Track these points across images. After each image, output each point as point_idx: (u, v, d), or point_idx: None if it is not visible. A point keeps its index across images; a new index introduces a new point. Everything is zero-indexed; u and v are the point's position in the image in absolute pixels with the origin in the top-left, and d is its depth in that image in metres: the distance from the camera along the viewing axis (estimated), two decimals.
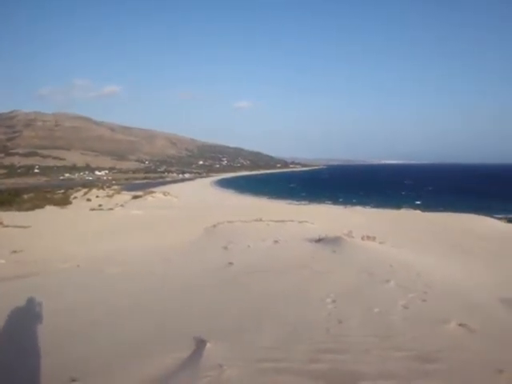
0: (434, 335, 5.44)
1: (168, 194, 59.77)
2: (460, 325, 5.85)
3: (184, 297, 7.83)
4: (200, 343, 4.96)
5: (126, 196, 55.27)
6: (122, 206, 44.22)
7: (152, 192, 60.22)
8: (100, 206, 44.85)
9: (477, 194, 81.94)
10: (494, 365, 4.47)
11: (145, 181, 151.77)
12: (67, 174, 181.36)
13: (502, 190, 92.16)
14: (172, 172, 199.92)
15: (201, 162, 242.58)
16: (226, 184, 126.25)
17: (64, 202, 45.31)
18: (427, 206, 54.65)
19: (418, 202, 62.24)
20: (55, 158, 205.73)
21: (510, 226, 36.99)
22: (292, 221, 22.84)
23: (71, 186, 76.07)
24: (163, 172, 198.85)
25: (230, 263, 11.25)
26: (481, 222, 34.72)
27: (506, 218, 42.90)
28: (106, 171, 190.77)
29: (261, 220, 22.89)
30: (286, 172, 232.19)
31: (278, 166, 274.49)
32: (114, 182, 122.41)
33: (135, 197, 54.00)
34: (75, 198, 52.35)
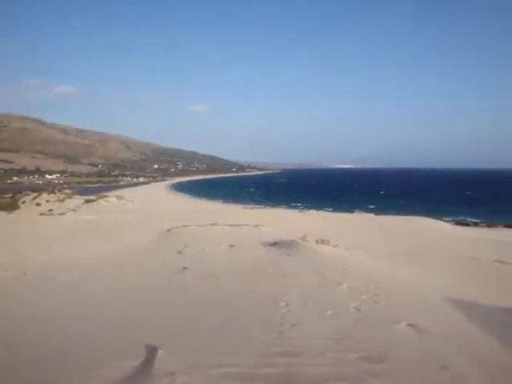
0: (384, 336, 5.57)
1: (122, 198, 58.46)
2: (409, 325, 6.02)
3: (135, 303, 7.67)
4: (151, 350, 4.85)
5: (79, 200, 53.71)
6: (73, 210, 43.06)
7: (105, 196, 58.75)
8: (50, 210, 43.47)
9: (427, 198, 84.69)
10: (440, 362, 4.63)
11: (98, 185, 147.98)
12: (15, 178, 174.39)
13: (450, 195, 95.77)
14: (126, 176, 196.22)
15: (156, 166, 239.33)
16: (181, 188, 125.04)
17: (11, 206, 43.59)
18: (380, 210, 56.05)
19: (372, 206, 63.71)
20: (2, 160, 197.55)
21: (457, 228, 38.65)
22: (247, 225, 22.88)
23: (20, 189, 73.22)
24: (117, 176, 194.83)
25: (185, 268, 11.14)
26: (431, 224, 35.98)
27: (453, 221, 44.72)
28: (58, 175, 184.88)
29: (216, 224, 22.81)
30: (242, 176, 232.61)
31: (234, 169, 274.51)
32: (65, 185, 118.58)
33: (88, 201, 52.55)
34: (24, 202, 50.40)
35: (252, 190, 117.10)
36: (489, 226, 43.25)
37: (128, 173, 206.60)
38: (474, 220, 47.45)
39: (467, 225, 43.50)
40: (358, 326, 5.95)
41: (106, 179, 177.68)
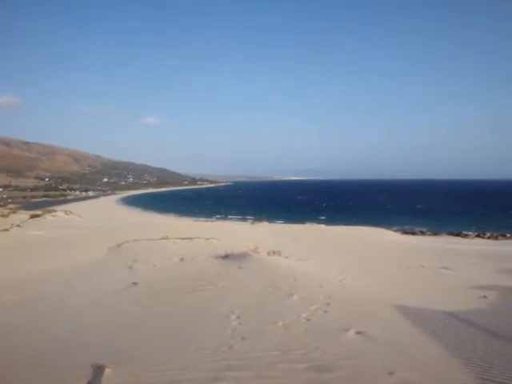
0: (334, 345, 5.65)
1: (70, 212, 56.58)
2: (358, 333, 6.14)
3: (83, 321, 7.40)
4: (98, 370, 4.70)
5: (24, 215, 51.43)
6: (18, 226, 41.28)
7: (52, 211, 56.68)
8: None
9: (377, 209, 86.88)
10: (386, 367, 4.75)
11: (44, 199, 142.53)
12: None
13: (399, 205, 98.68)
14: (75, 190, 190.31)
15: (105, 180, 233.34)
16: (132, 202, 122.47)
17: None
18: (330, 221, 57.00)
19: (323, 217, 64.69)
20: None
21: (405, 236, 39.88)
22: (199, 238, 22.69)
23: None
24: (65, 190, 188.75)
25: (135, 283, 10.91)
26: (380, 234, 36.99)
27: (401, 230, 46.07)
28: (0, 189, 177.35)
29: (167, 238, 22.49)
30: (194, 189, 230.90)
31: (186, 182, 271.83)
32: (9, 200, 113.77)
33: (34, 216, 50.40)
34: None
35: (204, 202, 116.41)
36: (434, 234, 44.80)
37: (76, 186, 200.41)
38: (420, 229, 48.95)
39: (414, 233, 44.86)
40: (309, 336, 6.00)
41: (53, 193, 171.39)
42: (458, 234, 43.49)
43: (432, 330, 6.80)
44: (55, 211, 56.08)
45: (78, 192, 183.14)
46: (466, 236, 42.97)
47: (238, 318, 6.97)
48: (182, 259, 15.28)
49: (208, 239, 22.39)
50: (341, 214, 70.43)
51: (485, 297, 11.63)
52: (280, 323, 6.62)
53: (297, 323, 6.69)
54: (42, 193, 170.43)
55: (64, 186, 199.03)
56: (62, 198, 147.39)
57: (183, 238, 22.08)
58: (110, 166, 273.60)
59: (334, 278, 12.26)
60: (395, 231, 42.56)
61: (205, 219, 65.24)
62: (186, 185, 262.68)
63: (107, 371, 4.61)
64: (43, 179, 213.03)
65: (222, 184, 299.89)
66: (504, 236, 42.04)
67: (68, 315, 8.09)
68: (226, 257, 14.95)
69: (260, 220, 55.24)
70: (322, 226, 42.26)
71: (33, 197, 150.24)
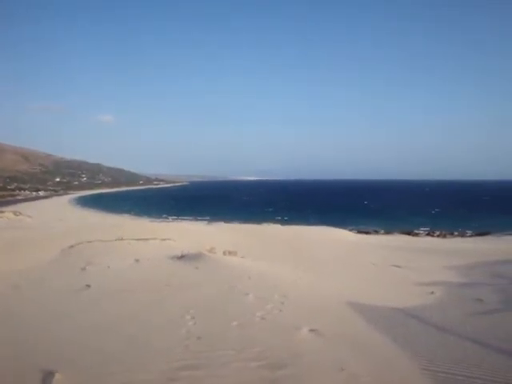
0: (287, 343, 5.77)
1: (20, 213, 54.65)
2: (311, 330, 6.30)
3: (31, 325, 7.19)
4: (47, 376, 4.59)
5: None
6: None
7: (0, 211, 54.77)
8: None
9: (333, 209, 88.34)
10: (337, 364, 4.91)
11: None
12: None
13: (353, 205, 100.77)
14: (24, 190, 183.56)
15: (58, 179, 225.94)
16: (85, 202, 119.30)
17: None
18: (286, 220, 57.62)
19: (278, 217, 65.20)
20: None
21: (359, 235, 40.80)
22: (154, 239, 22.45)
23: None
24: (14, 190, 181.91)
25: (88, 285, 10.69)
26: (334, 233, 37.73)
27: (355, 229, 47.09)
28: None
29: (122, 239, 22.12)
30: (149, 189, 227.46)
31: (141, 182, 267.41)
32: None
33: None
34: None
35: (159, 203, 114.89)
36: (387, 232, 46.08)
37: (26, 186, 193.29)
38: (374, 228, 50.17)
39: (368, 233, 45.96)
40: (263, 335, 6.10)
41: (0, 193, 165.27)
42: (409, 233, 45.04)
43: (382, 326, 7.05)
44: (3, 212, 54.05)
45: (28, 192, 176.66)
46: (416, 235, 44.58)
47: (193, 318, 6.98)
48: (137, 260, 15.09)
49: (164, 240, 22.21)
50: (296, 214, 71.08)
51: (432, 292, 12.11)
52: (235, 323, 6.69)
53: (252, 322, 6.78)
54: None
55: (13, 186, 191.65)
56: (10, 198, 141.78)
57: (138, 239, 21.80)
58: (62, 165, 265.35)
59: (289, 277, 12.43)
60: (350, 230, 43.46)
61: (160, 220, 64.55)
62: (142, 184, 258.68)
63: (57, 376, 4.53)
64: None
65: (177, 184, 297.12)
66: (452, 234, 43.92)
67: (16, 319, 7.85)
68: (181, 257, 14.88)
69: (216, 220, 55.16)
70: (278, 226, 42.62)
71: None
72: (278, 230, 38.28)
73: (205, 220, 61.50)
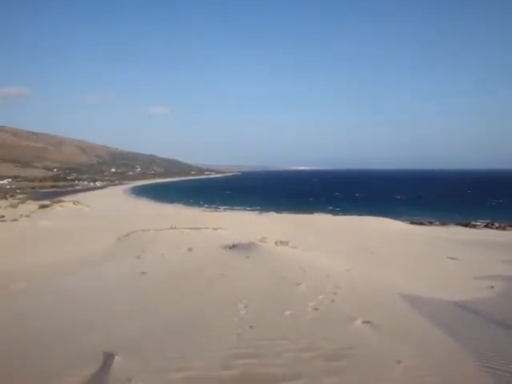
0: (341, 334, 5.68)
1: (78, 203, 56.90)
2: (365, 322, 6.17)
3: (90, 310, 7.46)
4: (108, 357, 4.74)
5: (33, 206, 51.76)
6: (27, 216, 41.57)
7: (61, 201, 57.03)
8: (2, 217, 41.88)
9: (385, 199, 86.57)
10: (393, 356, 4.78)
11: (53, 189, 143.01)
12: None
13: (407, 195, 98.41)
14: (83, 180, 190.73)
15: (113, 170, 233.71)
16: (139, 192, 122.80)
17: None
18: (338, 210, 57.05)
19: (330, 207, 64.64)
20: None
21: (413, 226, 39.75)
22: (207, 228, 22.78)
23: None
24: (73, 180, 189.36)
25: (143, 273, 10.99)
26: (388, 224, 36.91)
27: (409, 220, 45.94)
28: (9, 179, 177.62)
29: (175, 228, 22.59)
30: (202, 179, 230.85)
31: (193, 173, 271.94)
32: (18, 191, 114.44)
33: (42, 206, 50.69)
34: None
35: (211, 192, 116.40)
36: (442, 224, 44.68)
37: (84, 177, 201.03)
38: (429, 220, 48.82)
39: (422, 224, 44.70)
40: (316, 325, 6.04)
41: (61, 183, 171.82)
42: (466, 225, 43.36)
43: (439, 320, 6.81)
44: (63, 201, 56.43)
45: (86, 182, 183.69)
46: (474, 226, 42.86)
47: (246, 307, 7.02)
48: (189, 249, 15.37)
49: (216, 229, 22.48)
50: (348, 204, 70.25)
51: (492, 287, 11.61)
52: (287, 312, 6.66)
53: (304, 312, 6.72)
54: (50, 183, 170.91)
55: (72, 177, 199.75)
56: (70, 189, 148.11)
57: (191, 228, 22.19)
58: (117, 157, 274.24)
59: (342, 268, 12.28)
60: (403, 221, 42.44)
61: (212, 209, 65.45)
62: (194, 175, 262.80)
63: (117, 359, 4.66)
64: (51, 170, 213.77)
65: (229, 174, 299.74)
66: None
67: (76, 302, 8.18)
68: (233, 247, 15.02)
69: (267, 210, 55.26)
70: (330, 216, 42.28)
71: (41, 187, 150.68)
72: (330, 220, 37.93)
73: (256, 210, 61.81)
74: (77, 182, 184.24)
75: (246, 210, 66.16)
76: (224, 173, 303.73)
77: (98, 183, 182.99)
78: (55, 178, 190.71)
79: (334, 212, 52.37)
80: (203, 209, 68.57)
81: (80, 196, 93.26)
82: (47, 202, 54.91)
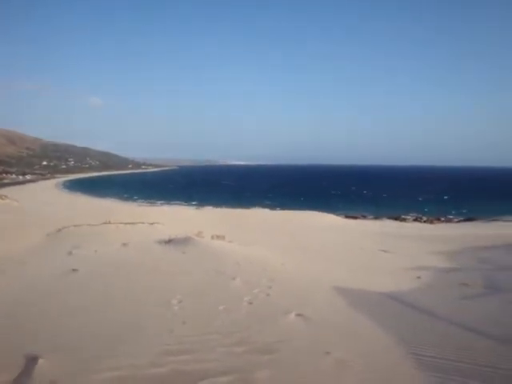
0: (274, 327, 5.74)
1: (6, 197, 53.97)
2: (298, 315, 6.27)
3: (13, 310, 7.08)
4: (31, 360, 4.51)
5: None
6: None
7: None
8: None
9: (321, 194, 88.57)
10: (323, 348, 4.89)
11: None
12: None
13: (344, 189, 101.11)
14: (11, 173, 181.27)
15: (45, 163, 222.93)
16: (72, 186, 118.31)
17: None
18: (275, 205, 57.70)
19: (268, 202, 65.24)
20: None
21: (347, 220, 40.97)
22: (142, 222, 22.34)
23: None
24: (0, 173, 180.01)
25: (74, 270, 10.57)
26: (322, 218, 37.88)
27: (343, 214, 47.27)
28: None
29: (110, 222, 21.98)
30: (138, 173, 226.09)
31: (130, 166, 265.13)
32: None
33: None
34: None
35: (148, 187, 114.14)
36: (375, 218, 46.39)
37: (13, 170, 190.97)
38: (362, 214, 50.44)
39: (356, 218, 46.15)
40: (250, 320, 6.07)
41: None
42: (396, 218, 45.30)
43: (368, 311, 7.07)
44: None
45: (14, 176, 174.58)
46: (404, 220, 44.88)
47: (180, 302, 6.92)
48: (124, 244, 14.99)
49: (152, 224, 22.10)
50: (286, 200, 71.16)
51: (419, 277, 12.22)
52: (221, 307, 6.64)
53: (238, 307, 6.74)
54: None
55: None
56: None
57: (126, 223, 21.67)
58: (49, 149, 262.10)
59: (277, 262, 12.43)
60: (338, 215, 43.63)
61: (149, 204, 64.32)
62: (130, 169, 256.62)
63: (41, 362, 4.45)
64: None
65: (166, 168, 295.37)
66: (439, 220, 44.30)
67: (1, 303, 7.74)
68: (169, 241, 14.81)
69: (205, 205, 55.04)
70: (267, 211, 42.71)
71: None
72: (267, 214, 38.34)
73: (193, 205, 61.36)
74: (4, 175, 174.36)
75: (183, 204, 65.49)
76: (161, 167, 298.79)
77: (28, 177, 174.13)
78: None
79: (271, 207, 52.86)
80: (139, 203, 67.20)
81: (7, 190, 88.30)
82: None
